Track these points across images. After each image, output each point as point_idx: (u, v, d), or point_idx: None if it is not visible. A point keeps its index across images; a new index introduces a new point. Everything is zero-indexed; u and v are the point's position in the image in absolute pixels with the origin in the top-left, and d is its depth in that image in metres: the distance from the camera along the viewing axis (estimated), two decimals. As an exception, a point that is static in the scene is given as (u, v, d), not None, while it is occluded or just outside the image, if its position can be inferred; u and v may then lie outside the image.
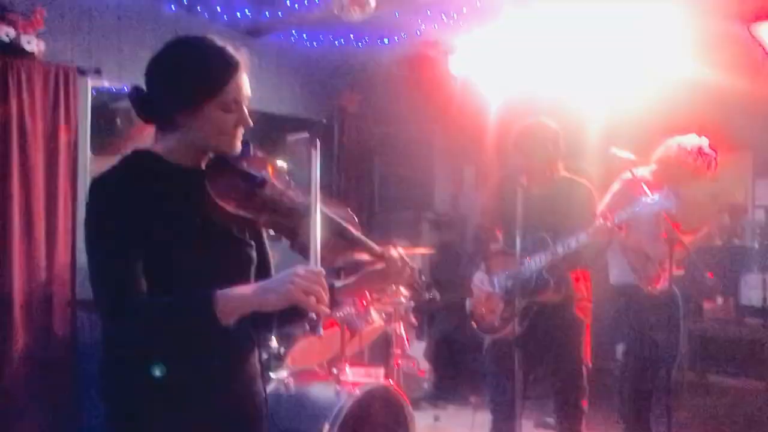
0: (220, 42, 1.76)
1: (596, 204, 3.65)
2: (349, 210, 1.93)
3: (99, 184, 1.70)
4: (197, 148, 1.76)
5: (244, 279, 1.81)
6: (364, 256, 1.89)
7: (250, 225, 1.80)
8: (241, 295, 1.61)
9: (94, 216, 1.66)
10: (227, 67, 1.71)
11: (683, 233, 3.68)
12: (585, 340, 3.66)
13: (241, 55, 1.75)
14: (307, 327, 1.58)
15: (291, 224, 1.76)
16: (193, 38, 1.76)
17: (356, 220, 1.92)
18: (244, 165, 1.79)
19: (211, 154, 1.78)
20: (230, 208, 1.69)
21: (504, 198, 3.64)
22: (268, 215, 1.75)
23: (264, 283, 1.64)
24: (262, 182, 1.77)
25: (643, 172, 3.87)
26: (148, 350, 1.66)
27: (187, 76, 1.70)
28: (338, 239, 1.81)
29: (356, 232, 1.86)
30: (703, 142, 3.89)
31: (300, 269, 1.57)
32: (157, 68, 1.74)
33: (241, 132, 1.77)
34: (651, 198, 3.32)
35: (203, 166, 1.78)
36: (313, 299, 1.54)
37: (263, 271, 1.92)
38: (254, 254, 1.87)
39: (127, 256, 1.63)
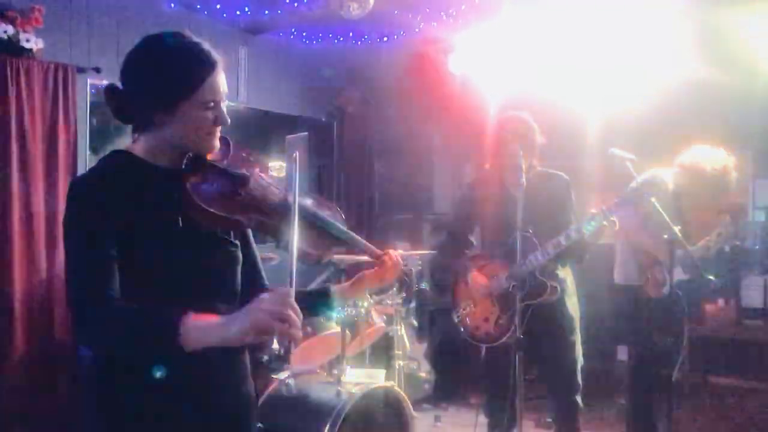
0: (196, 39, 1.72)
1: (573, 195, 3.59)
2: (336, 207, 1.92)
3: (77, 185, 1.68)
4: (175, 147, 1.72)
5: (229, 279, 1.79)
6: (351, 253, 1.88)
7: (234, 225, 1.75)
8: (206, 327, 1.50)
9: (74, 216, 1.63)
10: (204, 65, 1.68)
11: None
12: (577, 337, 3.64)
13: (217, 52, 1.72)
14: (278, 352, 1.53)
15: (275, 223, 1.74)
16: (169, 35, 1.71)
17: (343, 216, 1.90)
18: (225, 164, 1.75)
19: (189, 154, 1.74)
20: (211, 208, 1.65)
21: (481, 196, 3.59)
22: (250, 215, 1.72)
23: (230, 316, 1.52)
24: (244, 181, 1.73)
25: (666, 175, 3.82)
26: (111, 351, 1.64)
27: (163, 75, 1.66)
28: (322, 235, 1.79)
29: (342, 228, 1.85)
30: (730, 161, 3.76)
31: (264, 295, 1.49)
32: (132, 67, 1.70)
33: (219, 130, 1.74)
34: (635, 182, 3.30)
35: (182, 165, 1.73)
36: (284, 325, 1.43)
37: (252, 272, 1.90)
38: (239, 254, 1.82)
39: (101, 255, 1.58)
